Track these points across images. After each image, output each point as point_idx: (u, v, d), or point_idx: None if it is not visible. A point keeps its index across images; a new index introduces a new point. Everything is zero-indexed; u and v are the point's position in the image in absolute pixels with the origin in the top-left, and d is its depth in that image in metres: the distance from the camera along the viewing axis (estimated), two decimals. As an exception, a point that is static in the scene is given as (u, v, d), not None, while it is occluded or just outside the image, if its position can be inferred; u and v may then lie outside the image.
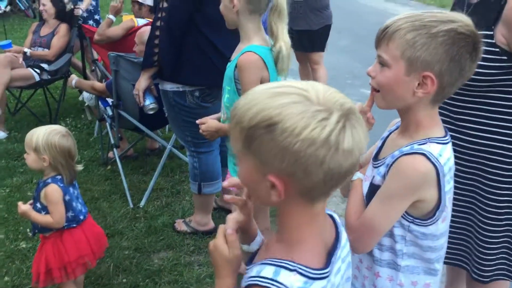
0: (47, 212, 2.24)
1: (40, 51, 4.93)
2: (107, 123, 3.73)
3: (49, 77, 4.88)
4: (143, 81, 2.89)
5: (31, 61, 4.87)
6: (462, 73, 1.26)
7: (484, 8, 1.69)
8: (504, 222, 1.82)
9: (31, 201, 2.33)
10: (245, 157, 0.91)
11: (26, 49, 4.89)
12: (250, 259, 1.06)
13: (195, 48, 2.72)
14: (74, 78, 3.77)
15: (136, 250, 2.89)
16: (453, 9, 1.84)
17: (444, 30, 1.21)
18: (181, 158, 3.85)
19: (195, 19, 2.66)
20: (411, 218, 1.33)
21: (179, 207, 3.36)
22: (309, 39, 5.04)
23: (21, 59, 4.84)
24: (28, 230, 3.08)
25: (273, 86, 0.90)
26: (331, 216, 1.04)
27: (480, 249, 1.86)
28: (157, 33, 2.78)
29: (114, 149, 3.67)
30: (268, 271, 0.90)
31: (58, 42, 4.93)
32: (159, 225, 3.12)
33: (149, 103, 2.95)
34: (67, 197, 2.26)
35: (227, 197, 1.10)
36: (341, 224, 1.06)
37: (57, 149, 2.22)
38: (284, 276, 0.88)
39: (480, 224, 1.84)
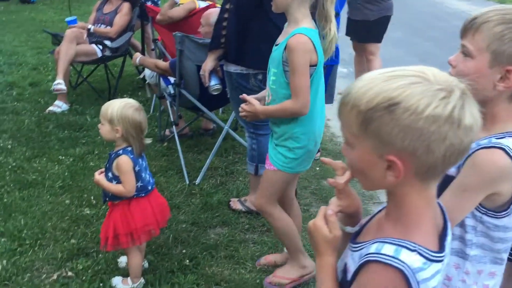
0: (118, 182, 2.36)
1: (102, 28, 5.10)
2: (167, 101, 3.86)
3: (111, 54, 5.05)
4: (209, 62, 2.97)
5: (94, 38, 5.06)
6: None
7: None
8: None
9: (102, 170, 2.46)
10: (360, 140, 0.94)
11: (90, 26, 5.07)
12: (354, 237, 1.10)
13: (261, 33, 2.78)
14: (138, 56, 3.91)
15: (193, 224, 3.00)
16: None
17: None
18: (235, 139, 3.96)
19: (264, 5, 2.71)
20: (484, 210, 1.35)
21: (233, 187, 3.46)
22: (366, 30, 5.02)
23: (85, 35, 5.03)
24: (92, 197, 3.25)
25: (386, 71, 0.93)
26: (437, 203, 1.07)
27: None
28: (226, 15, 2.86)
29: (174, 127, 3.79)
30: (388, 249, 0.92)
31: (120, 20, 5.09)
32: (214, 202, 3.22)
33: (214, 84, 3.04)
34: (136, 168, 2.37)
35: (330, 180, 1.14)
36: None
37: (129, 122, 2.33)
38: (405, 255, 0.91)
39: None
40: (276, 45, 2.23)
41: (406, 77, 0.90)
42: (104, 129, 2.38)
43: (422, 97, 0.87)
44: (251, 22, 2.77)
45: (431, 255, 0.93)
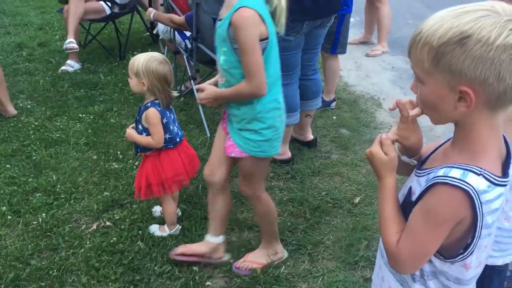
0: (148, 134, 2.43)
1: (110, -15, 5.04)
2: (184, 56, 3.87)
3: (119, 11, 5.01)
4: (224, 9, 2.97)
5: (103, -6, 5.01)
6: None
7: None
8: None
9: (133, 124, 2.52)
10: (431, 76, 0.99)
11: (96, -18, 5.01)
12: (420, 165, 1.17)
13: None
14: (152, 11, 3.89)
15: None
16: None
17: None
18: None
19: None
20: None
21: (254, 137, 3.53)
22: (375, -23, 4.98)
23: (93, -8, 4.98)
24: (118, 152, 3.33)
25: (456, 8, 0.98)
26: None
27: None
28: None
29: (191, 81, 3.83)
30: (456, 172, 0.99)
31: (127, -25, 5.03)
32: (237, 153, 3.30)
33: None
34: (164, 120, 2.43)
35: (400, 102, 1.13)
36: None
37: (154, 74, 2.37)
38: (472, 178, 0.98)
39: None
40: (219, 20, 2.03)
41: (475, 11, 0.95)
42: (132, 83, 2.43)
43: (493, 28, 0.92)
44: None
45: (496, 179, 1.00)
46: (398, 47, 5.34)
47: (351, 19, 6.38)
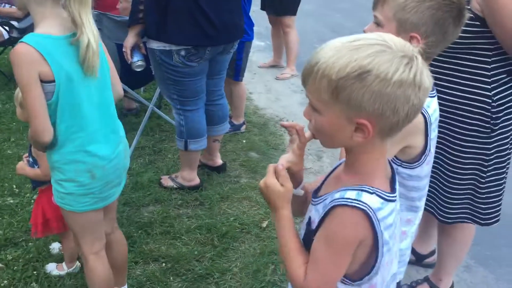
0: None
1: (7, 8, 4.80)
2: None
3: (19, 35, 4.76)
4: (130, 38, 2.92)
5: (0, 19, 4.74)
6: (445, 36, 1.41)
7: None
8: (468, 171, 2.03)
9: (26, 154, 2.37)
10: (329, 106, 1.00)
11: (-8, 6, 4.74)
12: (314, 193, 1.17)
13: (180, 7, 2.77)
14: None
15: (125, 204, 2.98)
16: None
17: None
18: (160, 117, 3.94)
19: (181, -21, 2.70)
20: (399, 161, 1.49)
21: (163, 165, 3.47)
22: (281, 3, 5.14)
23: (-12, 17, 4.70)
24: (14, 186, 3.12)
25: (349, 40, 0.99)
26: None
27: (445, 193, 2.08)
28: (143, -10, 2.81)
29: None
30: (351, 193, 1.02)
31: (25, -1, 4.79)
32: (145, 181, 3.22)
33: (137, 60, 2.99)
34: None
35: (297, 126, 1.16)
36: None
37: None
38: (366, 197, 1.02)
39: (446, 171, 2.05)
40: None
41: (371, 45, 0.97)
42: (18, 112, 2.29)
43: (390, 65, 0.95)
44: (168, -3, 2.74)
45: (387, 196, 1.05)
46: (306, 70, 5.52)
47: (261, 43, 6.59)
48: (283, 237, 1.13)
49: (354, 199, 1.01)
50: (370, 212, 1.01)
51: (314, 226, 1.10)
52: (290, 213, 1.13)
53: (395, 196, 1.09)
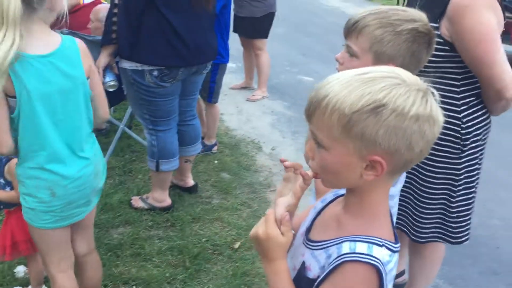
0: (12, 188, 2.24)
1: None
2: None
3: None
4: (103, 58, 2.91)
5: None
6: (419, 65, 1.45)
7: (431, 4, 1.93)
8: (440, 191, 2.09)
9: (-1, 179, 2.31)
10: (339, 143, 0.93)
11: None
12: (306, 233, 1.08)
13: (153, 28, 2.79)
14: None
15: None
16: (408, 3, 2.08)
17: (408, 29, 1.39)
18: (130, 138, 3.90)
19: (154, 0, 2.72)
20: None
21: (133, 185, 3.42)
22: (253, 26, 5.21)
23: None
24: (-22, 208, 3.01)
25: (359, 72, 0.94)
26: None
27: (417, 213, 2.13)
28: (115, 10, 2.82)
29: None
30: (362, 247, 0.93)
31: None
32: (114, 202, 3.16)
33: (109, 80, 2.98)
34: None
35: (302, 172, 1.05)
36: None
37: None
38: (377, 251, 0.93)
39: (418, 191, 2.11)
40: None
41: (384, 78, 0.92)
42: None
43: (407, 98, 0.90)
44: (142, 17, 2.76)
45: (394, 247, 0.98)
46: (277, 92, 5.60)
47: (233, 65, 6.64)
48: None
49: (367, 255, 0.94)
50: (381, 267, 0.94)
51: (311, 274, 1.02)
52: (286, 263, 1.04)
53: (399, 247, 1.01)
